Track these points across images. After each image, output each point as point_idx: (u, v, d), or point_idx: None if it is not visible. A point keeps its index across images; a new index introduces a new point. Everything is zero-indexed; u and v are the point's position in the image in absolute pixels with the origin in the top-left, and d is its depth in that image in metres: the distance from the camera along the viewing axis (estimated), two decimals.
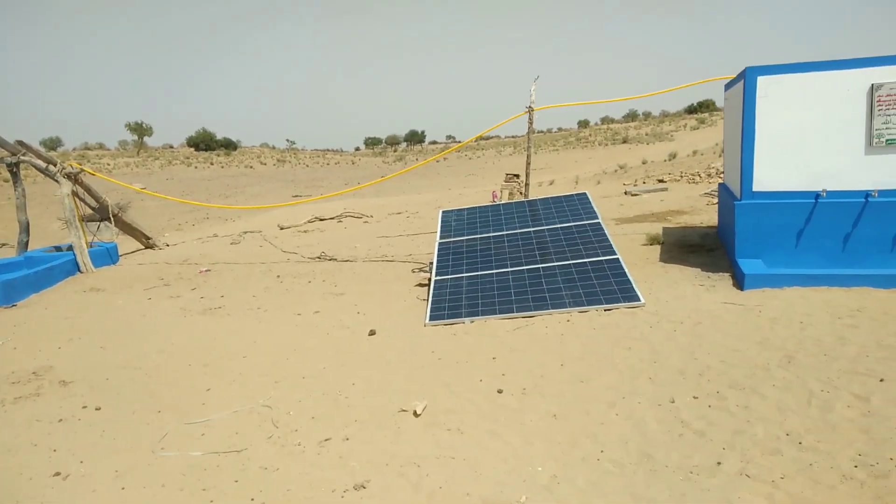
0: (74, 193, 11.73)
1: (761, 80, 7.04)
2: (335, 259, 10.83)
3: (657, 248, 8.98)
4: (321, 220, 17.43)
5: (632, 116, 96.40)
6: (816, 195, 6.95)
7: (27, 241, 11.59)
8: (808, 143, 6.98)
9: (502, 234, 8.74)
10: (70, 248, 11.19)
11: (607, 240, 7.98)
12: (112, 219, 12.50)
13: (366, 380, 5.44)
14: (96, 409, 5.26)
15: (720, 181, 10.73)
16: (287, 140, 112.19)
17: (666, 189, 16.41)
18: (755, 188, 7.21)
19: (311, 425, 4.67)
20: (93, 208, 12.36)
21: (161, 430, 4.81)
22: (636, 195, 15.84)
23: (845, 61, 6.82)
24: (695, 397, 4.45)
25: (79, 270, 10.93)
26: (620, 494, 3.45)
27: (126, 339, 7.23)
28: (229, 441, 4.53)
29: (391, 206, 20.90)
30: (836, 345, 5.01)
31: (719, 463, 3.62)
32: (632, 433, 4.09)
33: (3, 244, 16.72)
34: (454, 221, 9.50)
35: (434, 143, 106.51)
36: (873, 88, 6.67)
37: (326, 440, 4.40)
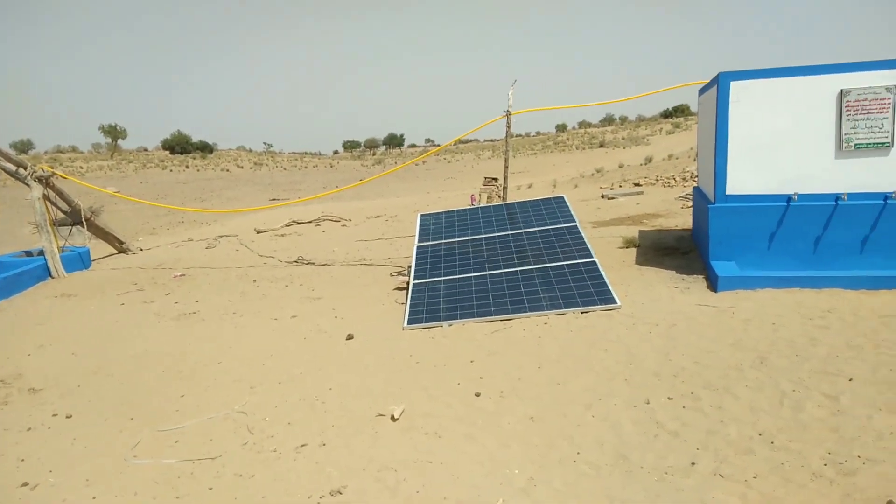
0: (45, 197, 11.50)
1: (734, 86, 7.15)
2: (313, 263, 10.76)
3: (633, 251, 9.07)
4: (299, 223, 17.31)
5: (609, 121, 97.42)
6: (788, 198, 7.08)
7: None
8: (780, 147, 7.10)
9: (480, 238, 8.76)
10: (41, 252, 10.97)
11: (584, 243, 8.04)
12: (84, 223, 12.26)
13: (343, 384, 5.41)
14: (67, 417, 5.16)
15: (695, 185, 10.87)
16: (264, 143, 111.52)
17: (642, 193, 16.59)
18: (728, 191, 7.31)
19: (287, 431, 4.63)
20: (64, 212, 12.12)
21: (134, 437, 4.73)
22: (613, 199, 15.99)
23: (815, 67, 6.95)
24: (669, 398, 4.50)
25: (50, 275, 10.72)
26: (596, 496, 3.47)
27: (98, 345, 7.10)
28: (204, 448, 4.47)
29: (370, 209, 20.84)
30: (808, 345, 5.10)
31: (693, 463, 3.66)
32: (608, 434, 4.12)
33: None
34: (433, 225, 9.50)
35: (413, 146, 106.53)
36: (842, 94, 6.81)
37: (303, 446, 4.37)
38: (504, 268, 7.83)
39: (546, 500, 3.49)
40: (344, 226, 16.56)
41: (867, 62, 6.79)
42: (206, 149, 76.06)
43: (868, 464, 3.42)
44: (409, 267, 8.70)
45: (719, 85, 7.20)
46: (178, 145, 75.35)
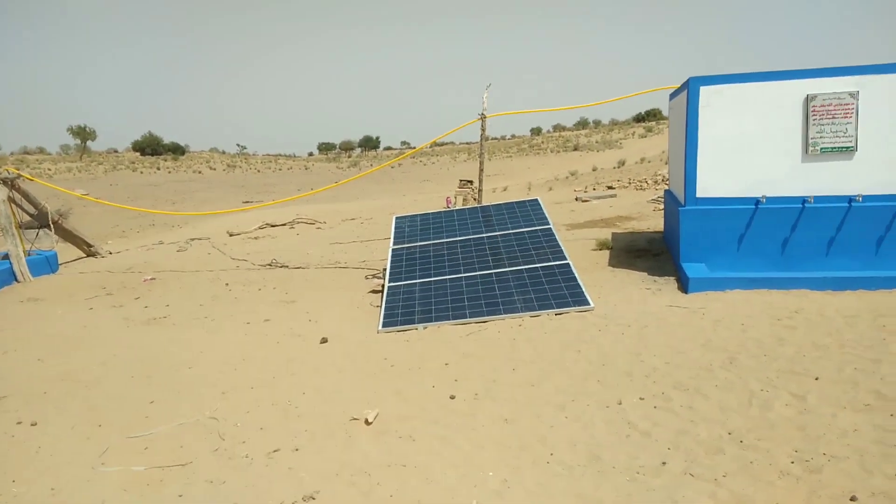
0: (11, 199, 11.23)
1: (704, 90, 7.27)
2: (287, 266, 10.67)
3: (606, 253, 9.16)
4: (272, 226, 17.15)
5: (583, 124, 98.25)
6: (757, 201, 7.21)
7: None
8: (749, 150, 7.24)
9: (456, 240, 8.77)
10: (6, 256, 10.70)
11: (558, 245, 8.10)
12: (52, 226, 12.00)
13: (317, 389, 5.36)
14: (32, 425, 5.02)
15: (666, 188, 11.02)
16: (237, 144, 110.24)
17: (615, 195, 16.77)
18: (699, 194, 7.43)
19: (259, 436, 4.57)
20: (31, 215, 11.85)
21: (102, 444, 4.63)
22: (586, 201, 16.14)
23: (783, 73, 7.11)
24: (641, 398, 4.55)
25: (15, 280, 10.46)
26: (569, 496, 3.49)
27: (65, 350, 6.95)
28: (174, 455, 4.40)
29: (345, 211, 20.74)
30: (776, 345, 5.19)
31: (664, 463, 3.70)
32: (581, 435, 4.15)
33: None
34: (408, 227, 9.49)
35: (389, 148, 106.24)
36: (808, 99, 6.97)
37: (275, 451, 4.32)
38: (479, 270, 7.85)
39: (519, 501, 3.50)
40: (319, 228, 16.45)
41: (832, 68, 6.96)
42: (177, 150, 74.92)
43: (833, 461, 3.49)
44: (385, 270, 8.67)
45: (689, 90, 7.31)
46: (150, 147, 74.10)
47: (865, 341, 5.08)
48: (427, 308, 7.21)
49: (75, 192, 16.01)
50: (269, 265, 10.84)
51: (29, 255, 11.09)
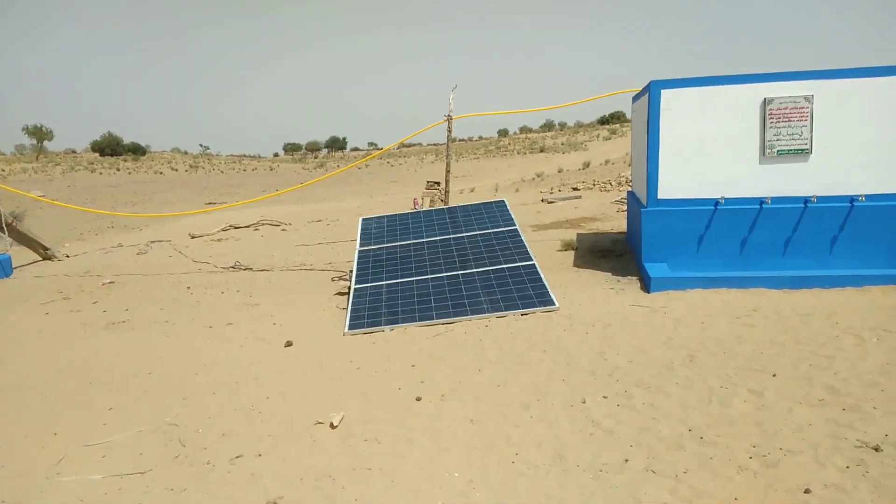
0: None
1: (665, 93, 7.40)
2: (251, 269, 10.52)
3: (571, 254, 9.26)
4: (236, 228, 16.88)
5: (549, 126, 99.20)
6: (716, 202, 7.37)
7: None
8: (709, 152, 7.39)
9: (422, 242, 8.76)
10: None
11: (524, 246, 8.15)
12: (5, 229, 11.62)
13: (281, 393, 5.30)
14: None
15: (629, 189, 11.18)
16: (200, 145, 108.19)
17: (580, 197, 16.96)
18: (660, 196, 7.56)
19: (221, 442, 4.49)
20: None
21: (58, 453, 4.50)
22: (552, 202, 16.28)
23: (741, 76, 7.27)
24: (604, 397, 4.61)
25: None
26: (534, 495, 3.52)
27: (19, 356, 6.73)
28: (133, 462, 4.29)
29: (311, 213, 20.52)
30: (734, 343, 5.32)
31: (627, 460, 3.76)
32: (545, 434, 4.18)
33: None
34: (374, 229, 9.44)
35: (356, 149, 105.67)
36: (765, 102, 7.15)
37: (238, 457, 4.25)
38: (446, 271, 7.86)
39: (484, 501, 3.51)
40: (284, 230, 16.25)
41: (788, 73, 7.15)
42: (138, 151, 73.14)
43: (789, 455, 3.59)
44: (351, 271, 8.61)
45: (651, 93, 7.43)
46: (109, 147, 72.17)
47: (820, 338, 5.23)
48: (394, 309, 7.18)
49: (31, 194, 15.54)
50: (233, 268, 10.67)
51: None
